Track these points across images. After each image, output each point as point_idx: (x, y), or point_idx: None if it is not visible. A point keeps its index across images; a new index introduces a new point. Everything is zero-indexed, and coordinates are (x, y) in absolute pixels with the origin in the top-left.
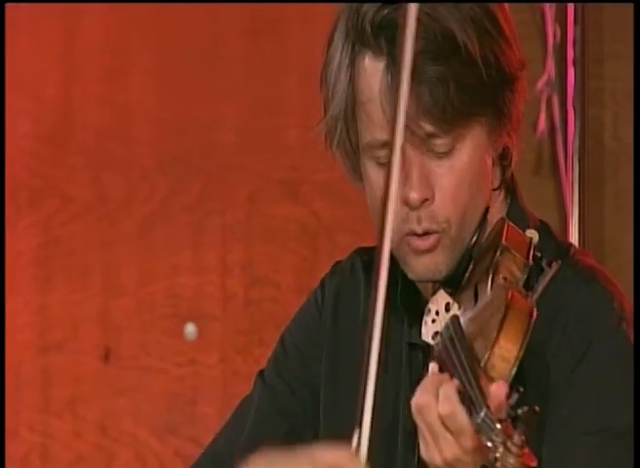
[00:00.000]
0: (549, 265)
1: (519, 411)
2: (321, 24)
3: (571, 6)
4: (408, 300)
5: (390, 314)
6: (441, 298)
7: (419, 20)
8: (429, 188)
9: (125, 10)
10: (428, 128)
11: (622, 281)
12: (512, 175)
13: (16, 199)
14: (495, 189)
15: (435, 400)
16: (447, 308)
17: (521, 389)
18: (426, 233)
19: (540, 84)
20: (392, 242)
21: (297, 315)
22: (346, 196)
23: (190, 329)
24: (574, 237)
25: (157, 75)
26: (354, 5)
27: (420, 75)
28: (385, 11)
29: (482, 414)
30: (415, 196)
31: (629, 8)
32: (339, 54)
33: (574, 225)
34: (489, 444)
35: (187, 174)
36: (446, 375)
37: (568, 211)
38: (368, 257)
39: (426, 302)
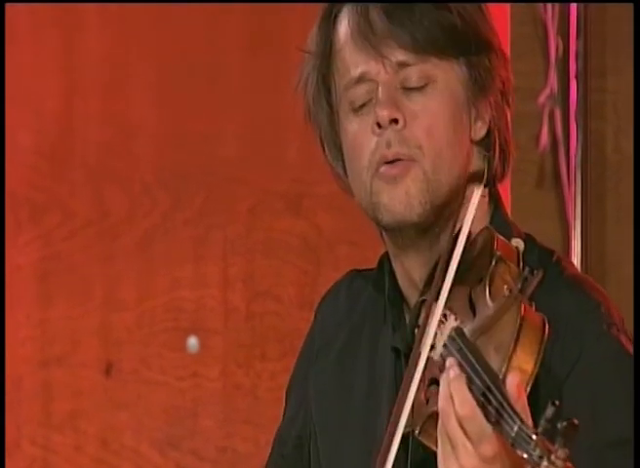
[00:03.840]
0: (532, 274)
1: (558, 425)
2: None
3: (573, 19)
4: (393, 305)
5: (378, 318)
6: (436, 309)
7: None
8: (399, 111)
9: (125, 23)
10: (399, 55)
11: (624, 293)
12: (497, 186)
13: (16, 213)
14: (476, 176)
15: (452, 404)
16: (442, 321)
17: (557, 402)
18: (397, 160)
19: (543, 97)
20: (366, 181)
21: (298, 355)
22: (348, 209)
23: (193, 341)
24: (576, 250)
25: (158, 89)
26: None
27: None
28: None
29: (516, 428)
30: (384, 113)
31: (631, 21)
32: (317, 28)
33: (576, 238)
34: (525, 455)
35: (188, 188)
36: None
37: (570, 223)
38: (355, 279)
39: (410, 308)
